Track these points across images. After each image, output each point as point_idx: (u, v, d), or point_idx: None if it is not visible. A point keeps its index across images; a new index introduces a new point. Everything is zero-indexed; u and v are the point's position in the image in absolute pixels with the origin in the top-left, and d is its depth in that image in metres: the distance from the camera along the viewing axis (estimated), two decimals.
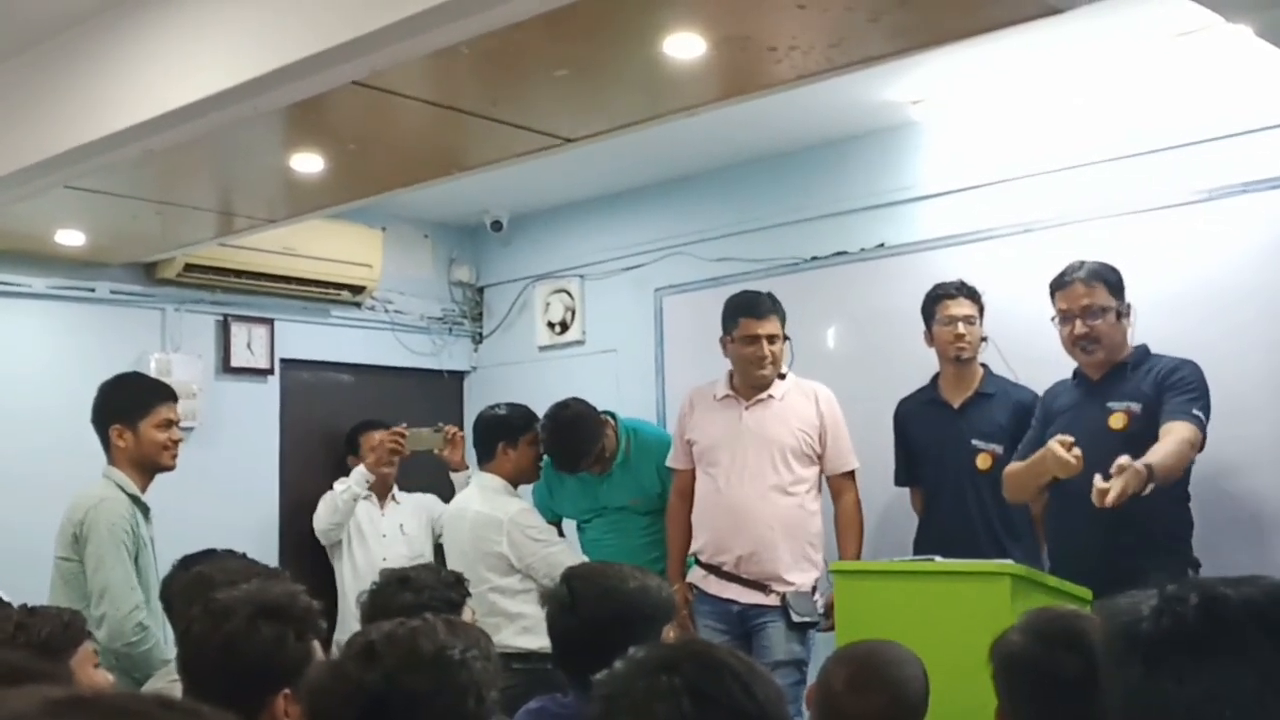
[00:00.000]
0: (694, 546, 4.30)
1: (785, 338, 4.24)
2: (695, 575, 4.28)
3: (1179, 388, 3.51)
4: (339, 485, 4.89)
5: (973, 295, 4.08)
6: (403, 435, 4.80)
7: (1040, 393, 3.92)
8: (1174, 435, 3.38)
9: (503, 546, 4.17)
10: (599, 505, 4.62)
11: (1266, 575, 1.25)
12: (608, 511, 4.61)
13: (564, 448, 4.44)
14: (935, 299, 4.12)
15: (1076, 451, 3.41)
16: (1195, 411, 3.46)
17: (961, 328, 4.05)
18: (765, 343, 4.18)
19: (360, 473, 4.86)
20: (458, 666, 1.85)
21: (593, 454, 4.46)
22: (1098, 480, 3.28)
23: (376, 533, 4.97)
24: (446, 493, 4.96)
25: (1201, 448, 3.44)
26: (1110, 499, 3.23)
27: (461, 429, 6.30)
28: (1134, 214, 4.19)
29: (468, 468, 4.76)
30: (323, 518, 4.90)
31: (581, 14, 2.67)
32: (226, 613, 2.11)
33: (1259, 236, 3.95)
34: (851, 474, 4.23)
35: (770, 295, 4.29)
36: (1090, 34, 3.85)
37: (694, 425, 4.36)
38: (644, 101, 3.45)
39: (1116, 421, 3.56)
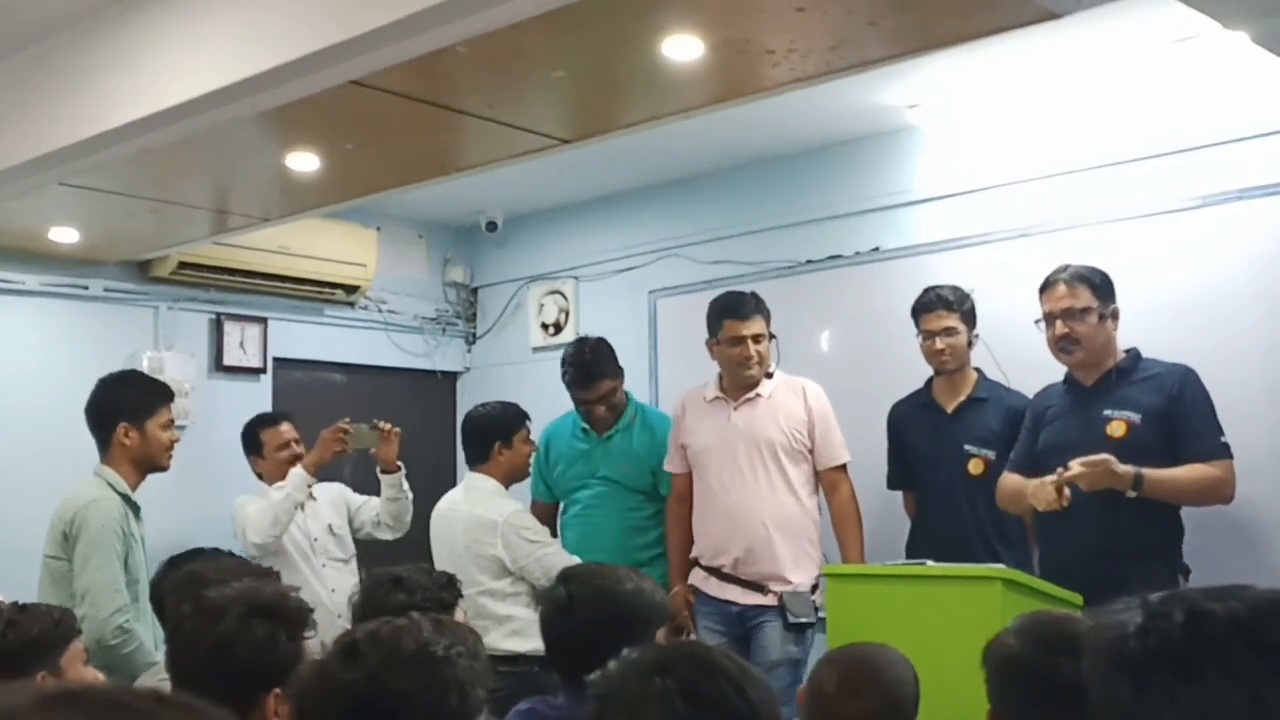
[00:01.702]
0: (694, 551, 4.31)
1: (771, 336, 4.24)
2: (696, 577, 4.28)
3: (1196, 415, 3.55)
4: (276, 492, 4.35)
5: (951, 305, 4.04)
6: (346, 431, 4.44)
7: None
8: (1196, 471, 3.48)
9: (497, 549, 4.15)
10: (591, 471, 4.59)
11: (1248, 586, 1.24)
12: (596, 483, 4.58)
13: (586, 361, 4.50)
14: (916, 311, 4.11)
15: (1066, 493, 3.48)
16: (1224, 440, 3.52)
17: (939, 342, 4.03)
18: (750, 343, 4.18)
19: (300, 476, 4.35)
20: (441, 663, 1.84)
21: (608, 379, 4.50)
22: (1073, 463, 3.39)
23: (308, 539, 4.48)
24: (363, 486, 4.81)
25: (1232, 488, 3.52)
26: (1071, 474, 3.39)
27: (454, 430, 6.34)
28: (1130, 219, 4.20)
29: (399, 469, 4.59)
30: (263, 529, 4.27)
31: (579, 15, 2.67)
32: (219, 611, 2.10)
33: (1255, 243, 3.96)
34: (843, 468, 4.21)
35: (754, 295, 4.28)
36: (1087, 39, 3.86)
37: (686, 428, 4.37)
38: (641, 103, 3.45)
39: (1115, 430, 3.56)
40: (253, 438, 4.68)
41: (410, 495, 4.64)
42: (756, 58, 3.06)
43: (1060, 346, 3.69)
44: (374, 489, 4.72)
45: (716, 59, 3.05)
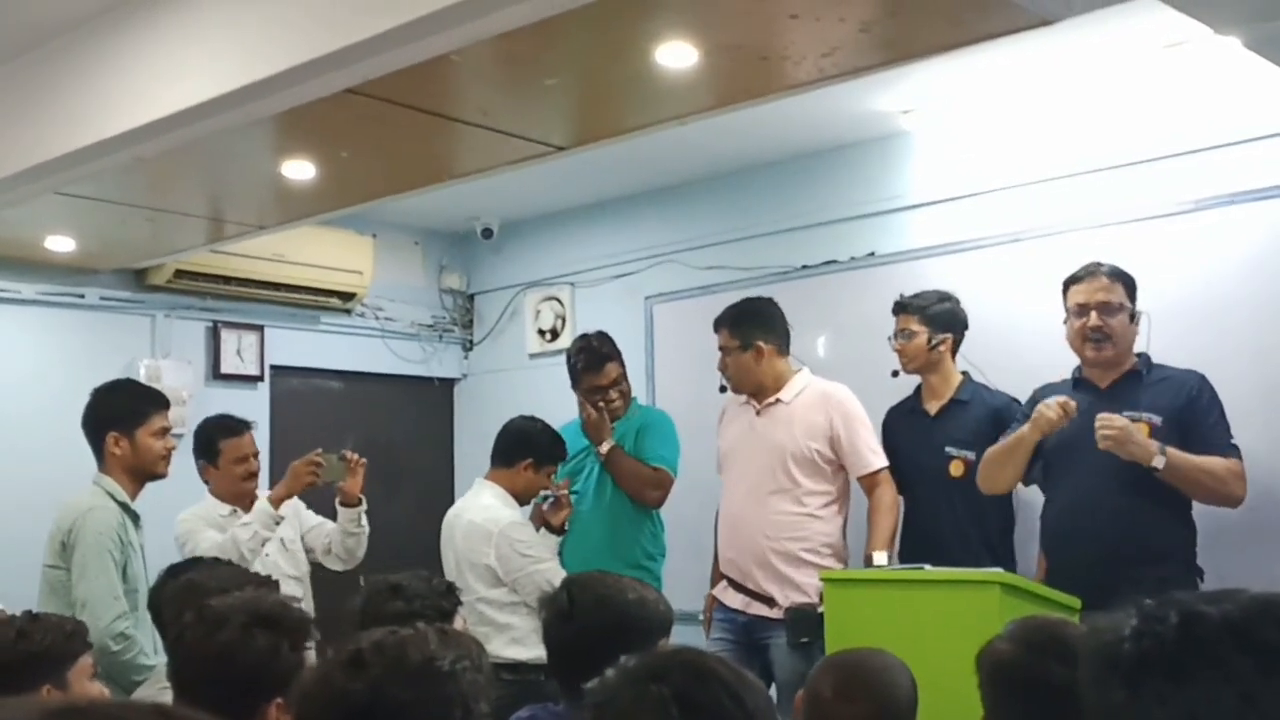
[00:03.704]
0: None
1: (746, 348, 4.16)
2: (718, 588, 4.25)
3: (1212, 415, 3.57)
4: (241, 530, 3.92)
5: (907, 308, 4.11)
6: (319, 464, 4.08)
7: (1017, 397, 3.94)
8: (1214, 461, 3.48)
9: (490, 559, 4.11)
10: (591, 456, 4.55)
11: (1243, 590, 1.25)
12: (590, 464, 4.55)
13: (595, 346, 4.55)
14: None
15: (1073, 405, 3.52)
16: (1234, 442, 3.53)
17: (896, 342, 4.11)
18: (721, 355, 4.21)
19: (266, 511, 3.96)
20: (445, 678, 1.83)
21: (617, 363, 4.54)
22: (1100, 416, 3.44)
23: (259, 555, 4.00)
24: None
25: (1243, 490, 3.53)
26: (1101, 422, 3.42)
27: (451, 437, 6.35)
28: (1122, 224, 4.21)
29: (360, 503, 4.20)
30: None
31: (573, 23, 2.68)
32: (220, 621, 2.10)
33: (1246, 247, 3.97)
34: (879, 473, 4.08)
35: (743, 302, 4.29)
36: (1079, 45, 3.87)
37: (721, 430, 4.38)
38: (635, 110, 3.46)
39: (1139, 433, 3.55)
40: (209, 444, 4.15)
41: (367, 530, 4.24)
42: (750, 65, 3.07)
43: (1092, 339, 3.63)
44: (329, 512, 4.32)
45: (711, 66, 3.06)
